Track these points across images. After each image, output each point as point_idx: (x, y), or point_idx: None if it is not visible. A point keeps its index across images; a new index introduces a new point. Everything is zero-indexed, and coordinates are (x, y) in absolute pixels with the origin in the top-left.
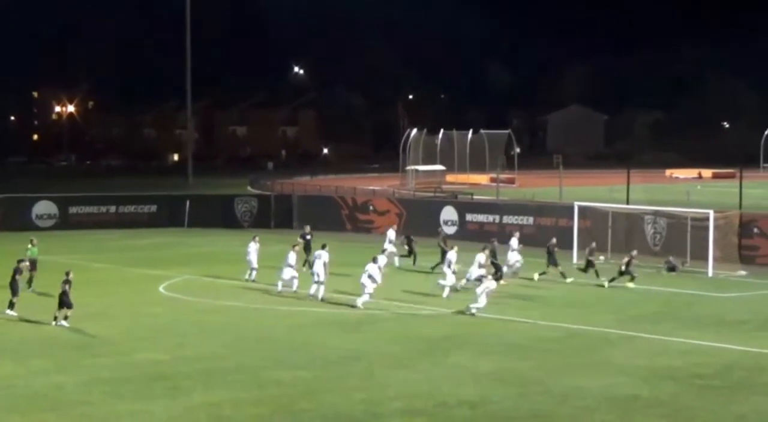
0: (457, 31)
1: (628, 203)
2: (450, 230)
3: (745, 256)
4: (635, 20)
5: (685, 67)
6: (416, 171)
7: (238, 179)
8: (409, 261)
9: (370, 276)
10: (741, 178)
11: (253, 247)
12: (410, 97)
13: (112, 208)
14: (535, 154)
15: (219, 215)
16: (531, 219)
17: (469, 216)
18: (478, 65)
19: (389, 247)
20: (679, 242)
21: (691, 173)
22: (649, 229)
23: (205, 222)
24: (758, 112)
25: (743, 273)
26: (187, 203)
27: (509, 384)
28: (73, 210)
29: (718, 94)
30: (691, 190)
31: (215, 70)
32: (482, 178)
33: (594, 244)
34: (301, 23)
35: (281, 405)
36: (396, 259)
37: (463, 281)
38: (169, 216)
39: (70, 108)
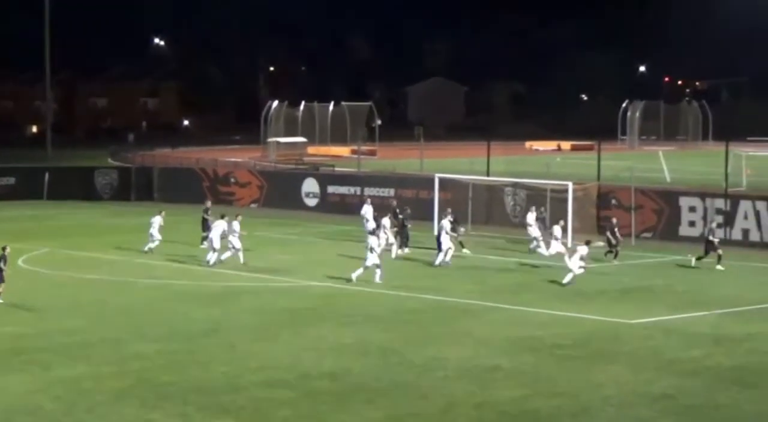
0: (317, 3)
1: (488, 175)
2: (311, 202)
3: (604, 227)
4: None
5: (544, 39)
6: (278, 143)
7: (99, 151)
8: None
9: (371, 249)
10: (599, 150)
11: (157, 220)
12: (271, 69)
13: None
14: (396, 126)
15: (79, 187)
16: (392, 191)
17: (330, 189)
18: (338, 37)
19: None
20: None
21: (550, 145)
22: (509, 201)
23: (64, 195)
24: (615, 84)
25: (601, 244)
26: (46, 175)
27: (371, 355)
28: None
29: (576, 66)
30: (550, 161)
31: (75, 41)
32: (343, 150)
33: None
34: None
35: (143, 378)
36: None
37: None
38: (27, 189)
39: None
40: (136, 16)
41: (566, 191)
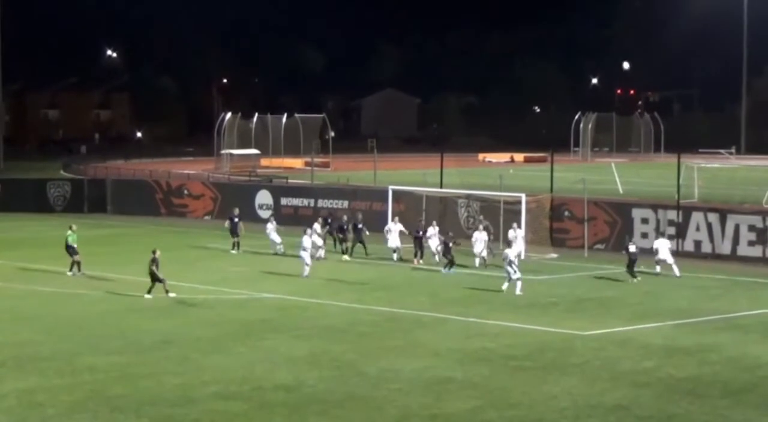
0: (270, 14)
1: (441, 187)
2: (265, 214)
3: (557, 239)
4: (445, 3)
5: (495, 50)
6: (231, 155)
7: (51, 163)
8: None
9: (509, 262)
10: (552, 161)
11: (271, 227)
12: (224, 80)
13: None
14: (350, 138)
15: (31, 199)
16: (346, 203)
17: (284, 201)
18: (291, 49)
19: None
20: (492, 225)
21: (503, 157)
22: (462, 213)
23: (16, 207)
24: (567, 95)
25: (554, 256)
26: None
27: (325, 367)
28: None
29: (528, 78)
30: (503, 173)
31: (26, 53)
32: (297, 162)
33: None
34: (112, 4)
35: (96, 391)
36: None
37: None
38: None
39: None
40: (88, 28)
41: (519, 203)
